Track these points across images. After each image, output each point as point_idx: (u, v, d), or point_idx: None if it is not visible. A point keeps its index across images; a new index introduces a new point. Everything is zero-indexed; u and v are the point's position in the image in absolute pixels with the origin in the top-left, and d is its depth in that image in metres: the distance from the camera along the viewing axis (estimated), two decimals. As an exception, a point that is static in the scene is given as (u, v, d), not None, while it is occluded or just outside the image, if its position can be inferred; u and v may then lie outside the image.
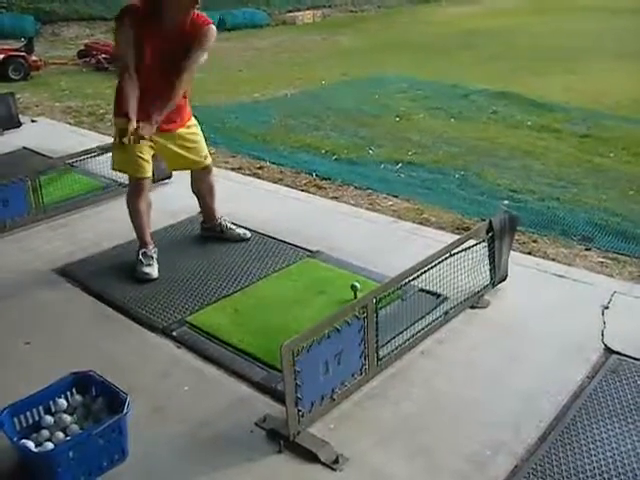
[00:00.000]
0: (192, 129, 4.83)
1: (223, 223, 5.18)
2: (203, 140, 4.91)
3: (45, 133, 8.60)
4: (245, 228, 5.25)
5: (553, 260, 5.10)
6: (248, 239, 5.14)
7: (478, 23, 20.79)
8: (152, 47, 4.38)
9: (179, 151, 4.78)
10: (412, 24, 22.10)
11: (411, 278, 3.60)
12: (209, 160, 4.95)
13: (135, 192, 4.71)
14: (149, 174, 4.68)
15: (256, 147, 8.35)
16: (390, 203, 6.39)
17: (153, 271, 4.65)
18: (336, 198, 6.48)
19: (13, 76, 13.90)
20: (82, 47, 16.59)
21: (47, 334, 4.03)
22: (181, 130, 4.72)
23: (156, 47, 4.39)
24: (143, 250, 4.71)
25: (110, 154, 5.96)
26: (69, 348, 3.86)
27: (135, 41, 4.34)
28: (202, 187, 5.07)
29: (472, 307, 4.13)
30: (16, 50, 14.45)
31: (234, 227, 5.19)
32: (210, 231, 5.23)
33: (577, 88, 11.44)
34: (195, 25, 4.44)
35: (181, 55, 4.41)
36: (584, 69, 13.04)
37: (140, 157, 4.56)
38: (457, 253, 3.91)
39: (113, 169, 4.83)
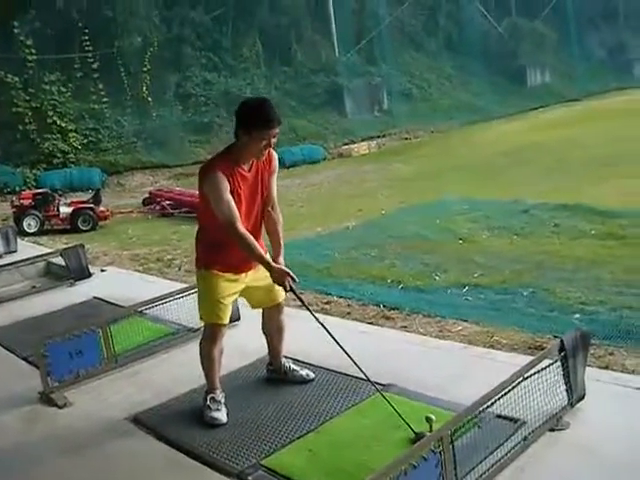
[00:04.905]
0: None
1: (286, 364, 5.16)
2: None
3: (114, 282, 8.79)
4: (315, 366, 5.25)
5: (632, 372, 4.98)
6: (312, 380, 5.10)
7: (528, 138, 21.08)
8: (244, 193, 4.49)
9: (263, 285, 4.75)
10: (464, 145, 22.51)
11: (485, 406, 3.53)
12: (283, 294, 4.87)
13: (211, 338, 4.73)
14: (227, 321, 4.74)
15: (322, 282, 8.44)
16: (460, 328, 6.36)
17: (222, 416, 4.65)
18: (405, 327, 6.48)
19: (82, 227, 14.59)
20: (146, 195, 17.26)
21: (124, 485, 4.04)
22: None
23: (245, 194, 4.51)
24: (211, 395, 4.72)
25: (178, 300, 6.18)
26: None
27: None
28: (272, 326, 5.06)
29: (551, 430, 4.00)
30: (84, 202, 15.18)
31: (298, 368, 5.17)
32: (274, 373, 5.21)
33: (636, 192, 11.37)
34: (263, 158, 4.57)
35: (262, 190, 4.60)
36: (638, 172, 12.95)
37: (223, 304, 4.64)
38: (531, 376, 3.83)
39: (201, 319, 4.81)
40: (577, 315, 6.40)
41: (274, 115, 4.41)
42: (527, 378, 3.81)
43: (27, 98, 21.96)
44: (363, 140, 26.44)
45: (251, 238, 4.42)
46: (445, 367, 5.12)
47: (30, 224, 14.42)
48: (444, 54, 34.78)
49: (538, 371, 3.90)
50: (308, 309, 4.67)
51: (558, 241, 9.41)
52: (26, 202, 14.86)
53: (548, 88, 36.10)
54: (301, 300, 4.66)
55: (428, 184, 15.49)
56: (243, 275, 4.68)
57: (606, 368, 5.08)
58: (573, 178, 13.63)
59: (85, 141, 22.65)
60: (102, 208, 15.31)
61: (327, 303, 7.52)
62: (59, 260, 9.01)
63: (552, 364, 4.01)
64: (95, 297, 7.99)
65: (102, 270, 9.54)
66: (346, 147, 25.41)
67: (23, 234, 13.40)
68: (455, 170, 17.06)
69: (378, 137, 27.22)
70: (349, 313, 7.11)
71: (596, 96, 32.66)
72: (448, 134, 26.76)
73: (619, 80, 36.73)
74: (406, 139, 27.30)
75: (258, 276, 4.70)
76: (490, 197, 12.77)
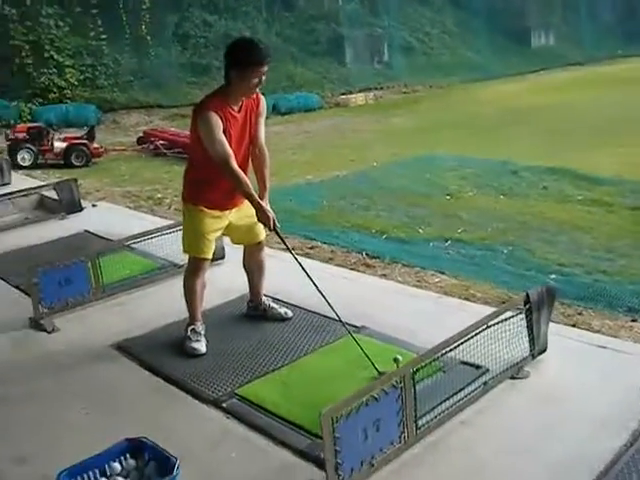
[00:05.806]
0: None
1: (266, 302, 5.36)
2: None
3: (105, 216, 8.94)
4: (293, 306, 5.45)
5: (597, 332, 5.15)
6: (290, 318, 5.30)
7: (526, 100, 20.96)
8: (234, 133, 4.63)
9: (245, 224, 4.96)
10: (462, 103, 22.38)
11: (448, 349, 3.73)
12: (264, 233, 5.10)
13: (194, 271, 4.93)
14: (210, 255, 4.93)
15: (308, 228, 8.57)
16: (437, 280, 6.51)
17: (201, 347, 4.86)
18: (384, 276, 6.64)
19: (76, 163, 14.54)
20: (141, 134, 17.24)
21: (104, 403, 4.28)
22: (245, 202, 4.78)
23: (235, 134, 4.64)
24: (192, 327, 4.92)
25: (166, 236, 6.33)
26: (124, 417, 4.09)
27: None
28: (253, 263, 5.26)
29: (512, 378, 4.21)
30: (79, 138, 15.15)
31: (276, 306, 5.37)
32: (254, 310, 5.40)
33: (628, 161, 11.39)
34: (252, 100, 4.72)
35: (250, 131, 4.75)
36: (634, 141, 12.99)
37: (207, 239, 4.83)
38: (494, 325, 4.03)
39: (185, 252, 5.01)
40: (553, 275, 6.53)
41: (264, 52, 4.56)
42: (490, 327, 4.01)
43: (24, 31, 21.53)
44: (361, 91, 26.20)
45: (244, 176, 4.59)
46: (418, 315, 5.31)
47: (24, 157, 14.35)
48: (448, 9, 34.31)
49: (502, 320, 4.10)
50: (289, 249, 4.83)
51: (544, 204, 9.49)
52: (20, 135, 14.75)
53: (551, 50, 35.49)
54: (283, 241, 4.81)
55: (422, 139, 15.46)
56: (227, 212, 4.85)
57: (573, 326, 5.26)
58: (568, 143, 13.57)
59: (82, 77, 22.37)
60: (96, 145, 15.25)
61: (311, 248, 7.67)
62: (52, 194, 9.14)
63: (516, 315, 4.20)
64: (86, 230, 8.13)
65: (93, 205, 9.67)
66: (343, 97, 25.23)
67: (17, 167, 13.38)
68: (450, 127, 17.01)
69: (376, 89, 26.99)
70: (331, 259, 7.27)
71: (601, 62, 32.19)
72: (447, 90, 26.56)
73: (626, 47, 35.80)
74: (404, 93, 27.06)
75: (242, 214, 4.89)
76: (482, 156, 12.76)
